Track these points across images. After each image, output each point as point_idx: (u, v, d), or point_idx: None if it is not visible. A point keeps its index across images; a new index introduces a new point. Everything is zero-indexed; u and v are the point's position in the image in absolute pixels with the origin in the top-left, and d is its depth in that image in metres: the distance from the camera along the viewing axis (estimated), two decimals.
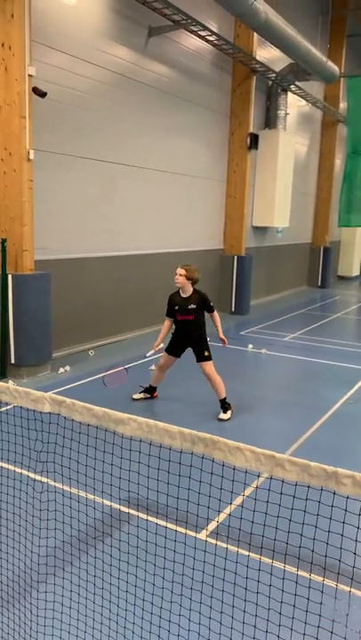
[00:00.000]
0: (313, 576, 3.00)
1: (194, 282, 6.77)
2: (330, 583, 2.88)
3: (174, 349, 7.02)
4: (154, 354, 7.24)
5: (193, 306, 6.75)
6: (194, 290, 6.80)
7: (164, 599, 3.07)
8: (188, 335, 6.89)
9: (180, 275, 6.70)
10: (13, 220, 7.95)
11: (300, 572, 3.00)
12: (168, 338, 7.14)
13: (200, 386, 7.17)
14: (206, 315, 6.91)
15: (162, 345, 7.03)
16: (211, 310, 6.86)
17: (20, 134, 7.73)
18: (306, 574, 2.85)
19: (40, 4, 8.29)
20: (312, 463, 1.95)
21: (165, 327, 7.04)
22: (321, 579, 2.80)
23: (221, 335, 6.92)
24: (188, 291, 6.78)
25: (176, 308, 6.83)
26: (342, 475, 1.90)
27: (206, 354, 6.80)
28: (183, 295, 6.81)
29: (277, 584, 2.73)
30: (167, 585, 3.12)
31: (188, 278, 6.70)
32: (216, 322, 6.91)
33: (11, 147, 7.78)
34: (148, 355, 7.17)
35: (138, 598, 3.05)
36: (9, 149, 7.79)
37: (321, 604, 2.59)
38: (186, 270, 6.70)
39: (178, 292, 6.87)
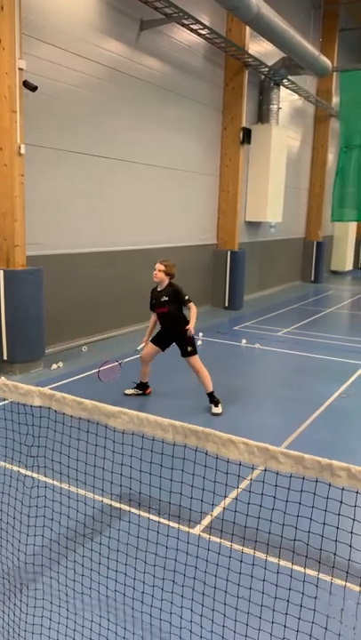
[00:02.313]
0: (307, 570, 2.97)
1: (171, 277, 6.98)
2: (324, 577, 2.85)
3: (158, 341, 7.14)
4: (144, 347, 7.26)
5: (165, 298, 6.93)
6: (169, 283, 6.97)
7: (155, 597, 3.03)
8: (168, 329, 7.03)
9: (160, 270, 6.92)
10: (5, 215, 7.88)
11: (295, 567, 2.97)
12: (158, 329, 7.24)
13: (192, 380, 7.13)
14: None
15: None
16: (185, 303, 6.91)
17: (10, 128, 7.65)
18: (300, 568, 2.82)
19: None
20: (306, 455, 1.92)
21: (151, 321, 7.25)
22: (315, 572, 2.77)
23: (191, 326, 6.83)
24: (163, 284, 6.99)
25: (153, 301, 7.07)
26: (337, 467, 1.87)
27: (189, 349, 6.87)
28: (159, 289, 7.03)
29: (272, 579, 2.70)
30: (160, 582, 3.08)
31: (166, 273, 6.92)
32: (191, 314, 6.90)
33: (1, 141, 7.69)
34: (138, 348, 7.22)
35: (129, 597, 3.01)
36: (0, 144, 7.72)
37: (315, 598, 2.56)
38: (165, 266, 6.93)
39: (157, 287, 7.08)
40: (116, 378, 7.02)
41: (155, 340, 7.15)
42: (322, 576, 2.83)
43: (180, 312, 6.96)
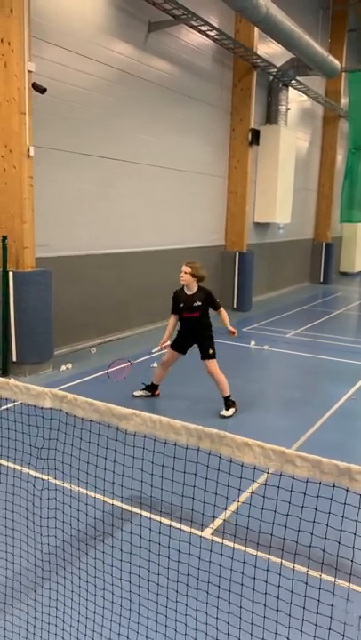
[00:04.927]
0: (324, 576, 2.93)
1: (199, 279, 6.73)
2: (342, 583, 2.80)
3: (179, 346, 6.96)
4: (160, 350, 7.17)
5: (198, 303, 6.70)
6: (199, 287, 6.76)
7: (169, 599, 2.99)
8: (194, 333, 6.84)
9: (186, 272, 6.66)
10: (14, 217, 7.87)
11: (311, 572, 2.93)
12: (174, 334, 7.08)
13: (201, 383, 7.10)
14: (213, 312, 6.87)
15: (168, 342, 6.98)
16: (216, 307, 6.82)
17: (19, 131, 7.65)
18: (316, 574, 2.77)
19: None
20: (324, 459, 1.87)
21: (171, 324, 6.97)
22: (332, 579, 2.72)
23: (230, 327, 6.86)
24: (192, 288, 6.74)
25: (181, 305, 6.77)
26: (355, 471, 1.83)
27: (211, 351, 6.76)
28: (188, 292, 6.77)
29: (286, 584, 2.66)
30: (172, 585, 3.05)
31: (193, 276, 6.67)
32: (224, 318, 6.85)
33: (10, 143, 7.70)
34: (153, 351, 7.15)
35: (142, 598, 2.98)
36: (9, 146, 7.71)
37: (332, 605, 2.51)
38: (191, 268, 6.66)
39: (183, 289, 6.81)
40: (127, 377, 6.92)
41: (175, 346, 6.96)
42: (339, 583, 2.78)
43: (207, 318, 6.83)
